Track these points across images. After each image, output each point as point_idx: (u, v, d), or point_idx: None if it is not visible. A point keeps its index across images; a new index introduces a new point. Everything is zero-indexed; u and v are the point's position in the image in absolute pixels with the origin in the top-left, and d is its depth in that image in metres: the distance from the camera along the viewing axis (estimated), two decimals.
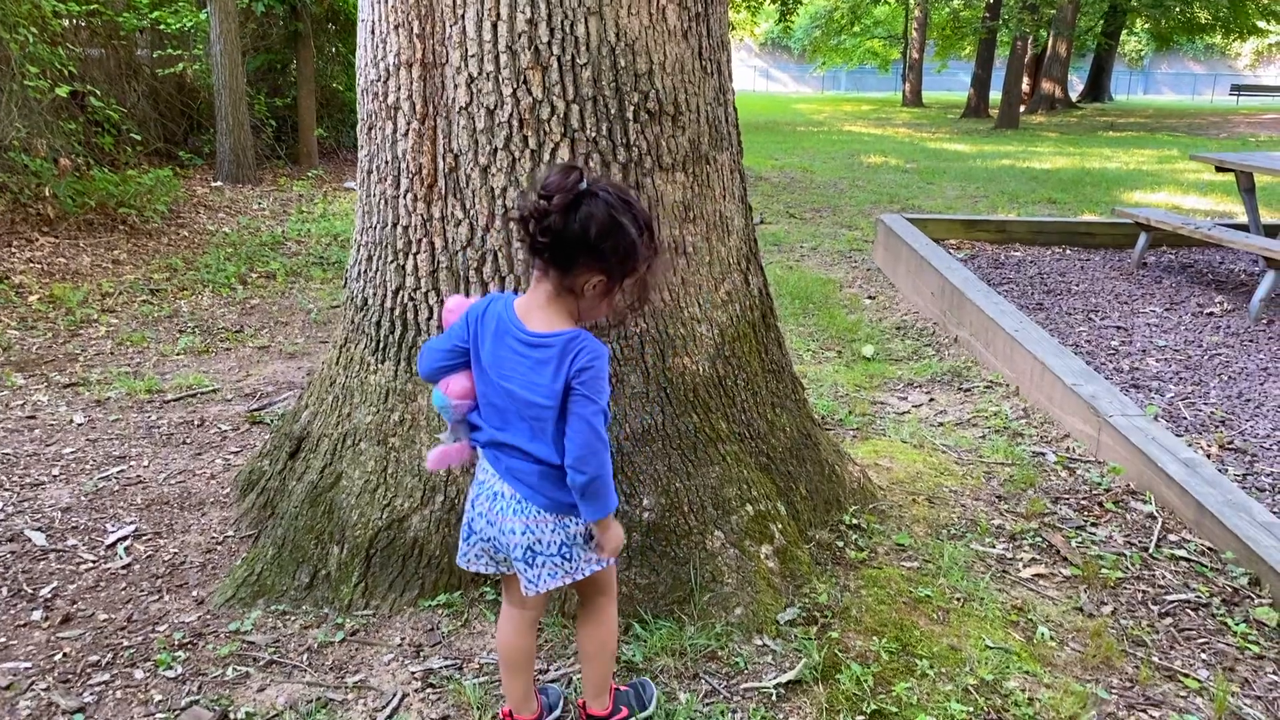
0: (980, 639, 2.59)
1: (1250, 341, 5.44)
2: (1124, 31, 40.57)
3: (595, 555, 2.02)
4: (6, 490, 3.56)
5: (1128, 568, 3.02)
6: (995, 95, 29.10)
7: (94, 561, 3.11)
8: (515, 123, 2.60)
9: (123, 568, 3.08)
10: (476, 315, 1.99)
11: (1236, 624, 2.72)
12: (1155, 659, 2.58)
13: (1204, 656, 2.60)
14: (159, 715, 2.35)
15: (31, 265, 6.77)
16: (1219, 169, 7.15)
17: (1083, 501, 3.50)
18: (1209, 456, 3.90)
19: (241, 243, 8.02)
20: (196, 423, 4.22)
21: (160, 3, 10.69)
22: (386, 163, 2.78)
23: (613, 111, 2.63)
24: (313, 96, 11.91)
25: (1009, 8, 27.54)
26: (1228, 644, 2.65)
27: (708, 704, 2.35)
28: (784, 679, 2.40)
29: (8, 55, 7.42)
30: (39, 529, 3.29)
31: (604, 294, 1.91)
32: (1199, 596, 2.87)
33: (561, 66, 2.57)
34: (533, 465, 1.95)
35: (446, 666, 2.50)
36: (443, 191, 2.69)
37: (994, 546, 3.14)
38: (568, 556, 1.99)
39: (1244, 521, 3.09)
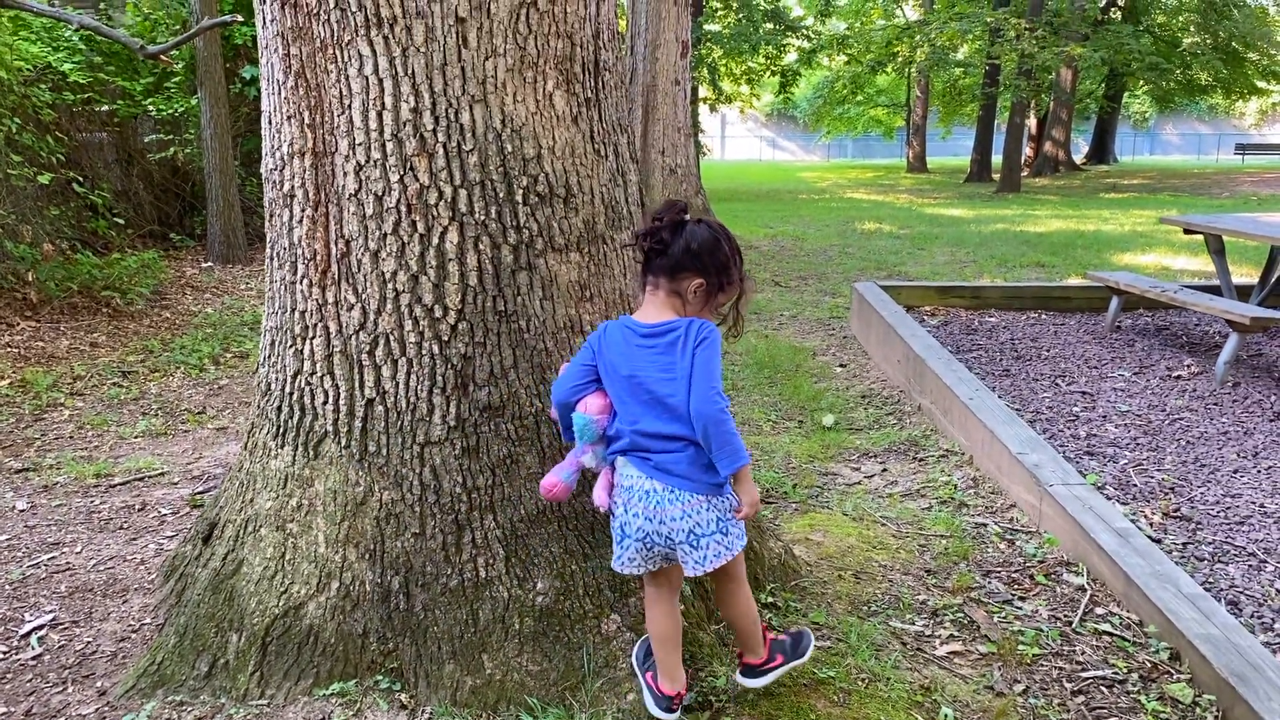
0: None
1: (1214, 405, 5.39)
2: (1126, 94, 40.92)
3: (742, 527, 2.36)
4: None
5: (1047, 644, 2.96)
6: (998, 159, 29.30)
7: (4, 653, 3.09)
8: (403, 208, 2.63)
9: (33, 658, 3.05)
10: (598, 337, 2.41)
11: (1150, 702, 2.65)
12: None
13: None
14: None
15: (8, 350, 6.85)
16: (1187, 231, 7.14)
17: (1014, 574, 3.44)
18: (1151, 525, 3.83)
19: (222, 323, 8.10)
20: (138, 507, 4.22)
21: (154, 89, 10.94)
22: (285, 249, 2.82)
23: (501, 195, 2.66)
24: None
25: (1007, 74, 27.87)
26: None
27: None
28: None
29: None
30: None
31: (705, 299, 2.36)
32: (1116, 673, 2.80)
33: (448, 153, 2.61)
34: (678, 451, 2.26)
35: None
36: (336, 277, 2.71)
37: (913, 623, 3.08)
38: (725, 531, 2.30)
39: (1168, 593, 3.02)
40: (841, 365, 6.74)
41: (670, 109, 13.72)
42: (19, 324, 7.51)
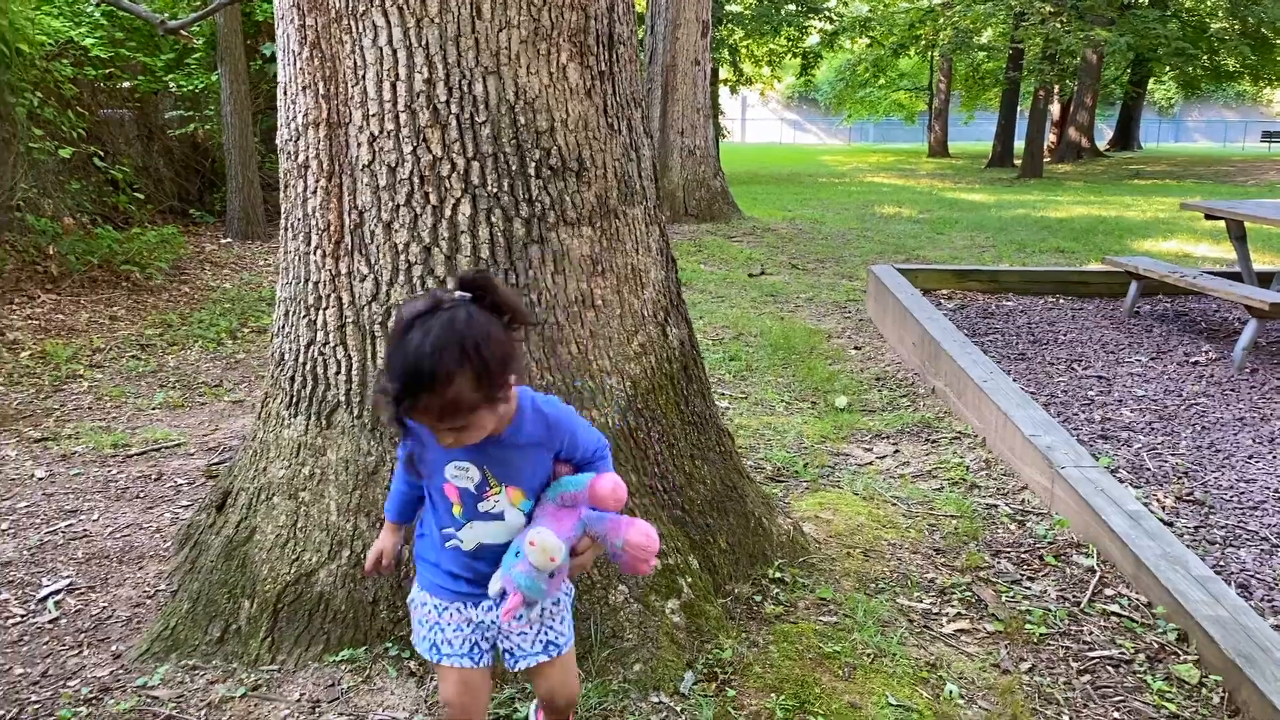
0: (884, 696, 2.54)
1: (1231, 391, 5.35)
2: (1152, 80, 40.48)
3: None
4: None
5: (1054, 623, 2.96)
6: (1021, 145, 29.08)
7: (22, 616, 3.13)
8: (416, 180, 2.64)
9: (49, 622, 3.10)
10: None
11: (1156, 681, 2.65)
12: (1065, 718, 2.51)
13: (1117, 715, 2.53)
14: None
15: (30, 322, 6.91)
16: (1209, 217, 7.08)
17: (1024, 555, 3.43)
18: (1164, 509, 3.82)
19: (240, 298, 8.15)
20: (154, 477, 4.27)
21: (175, 65, 10.99)
22: (299, 220, 2.83)
23: (514, 168, 2.67)
24: None
25: (1031, 59, 27.61)
26: (1144, 702, 2.58)
27: None
28: None
29: (15, 117, 7.64)
30: None
31: None
32: (1123, 653, 2.80)
33: (460, 124, 2.62)
34: None
35: None
36: (349, 247, 2.73)
37: (920, 601, 3.09)
38: None
39: (1178, 575, 3.01)
40: (856, 348, 6.73)
41: (689, 89, 13.67)
42: (40, 296, 7.58)
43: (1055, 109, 34.58)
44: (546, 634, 2.05)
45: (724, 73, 26.25)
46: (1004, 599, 3.11)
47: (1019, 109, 32.27)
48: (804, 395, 5.56)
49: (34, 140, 7.71)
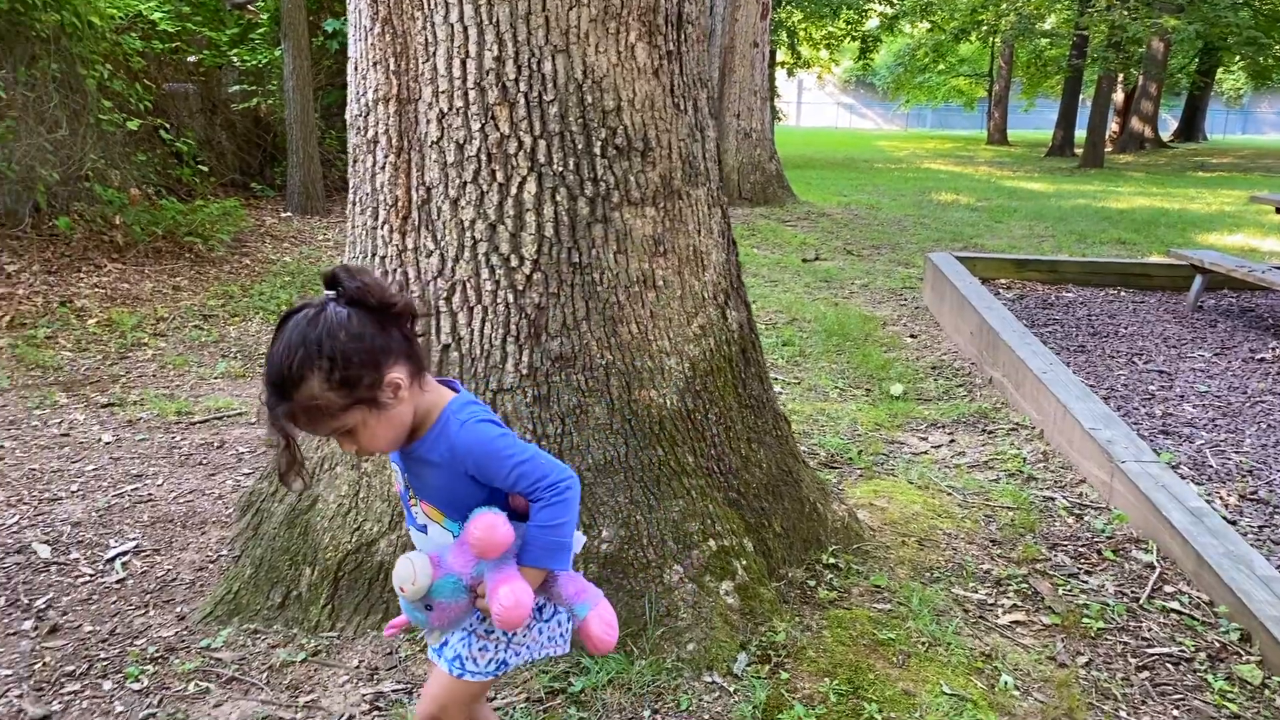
0: (938, 685, 2.53)
1: None
2: (1220, 69, 39.46)
3: None
4: (25, 504, 3.72)
5: (1112, 618, 2.92)
6: (1082, 134, 28.54)
7: (91, 575, 3.22)
8: (484, 157, 2.66)
9: (117, 582, 3.18)
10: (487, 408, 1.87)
11: (1217, 681, 2.61)
12: (1123, 713, 2.49)
13: (1176, 714, 2.50)
14: None
15: (96, 290, 7.07)
16: (1279, 210, 6.90)
17: (1081, 549, 3.39)
18: (1226, 507, 3.75)
19: (299, 271, 8.27)
20: (217, 444, 4.35)
21: (239, 40, 11.13)
22: (367, 194, 2.87)
23: (580, 146, 2.67)
24: None
25: (1095, 46, 27.04)
26: (1204, 701, 2.55)
27: None
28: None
29: (85, 90, 7.79)
30: (46, 542, 3.42)
31: None
32: (1183, 651, 2.76)
33: (529, 102, 2.63)
34: None
35: (396, 691, 2.54)
36: (415, 223, 2.76)
37: (976, 591, 3.07)
38: None
39: (1242, 575, 2.96)
40: (912, 336, 6.67)
41: (747, 71, 13.58)
42: (106, 265, 7.74)
43: (1119, 98, 33.86)
44: (461, 647, 1.87)
45: (781, 55, 26.03)
46: (1061, 592, 3.08)
47: (1081, 97, 31.64)
48: (858, 382, 5.52)
49: (103, 112, 7.86)
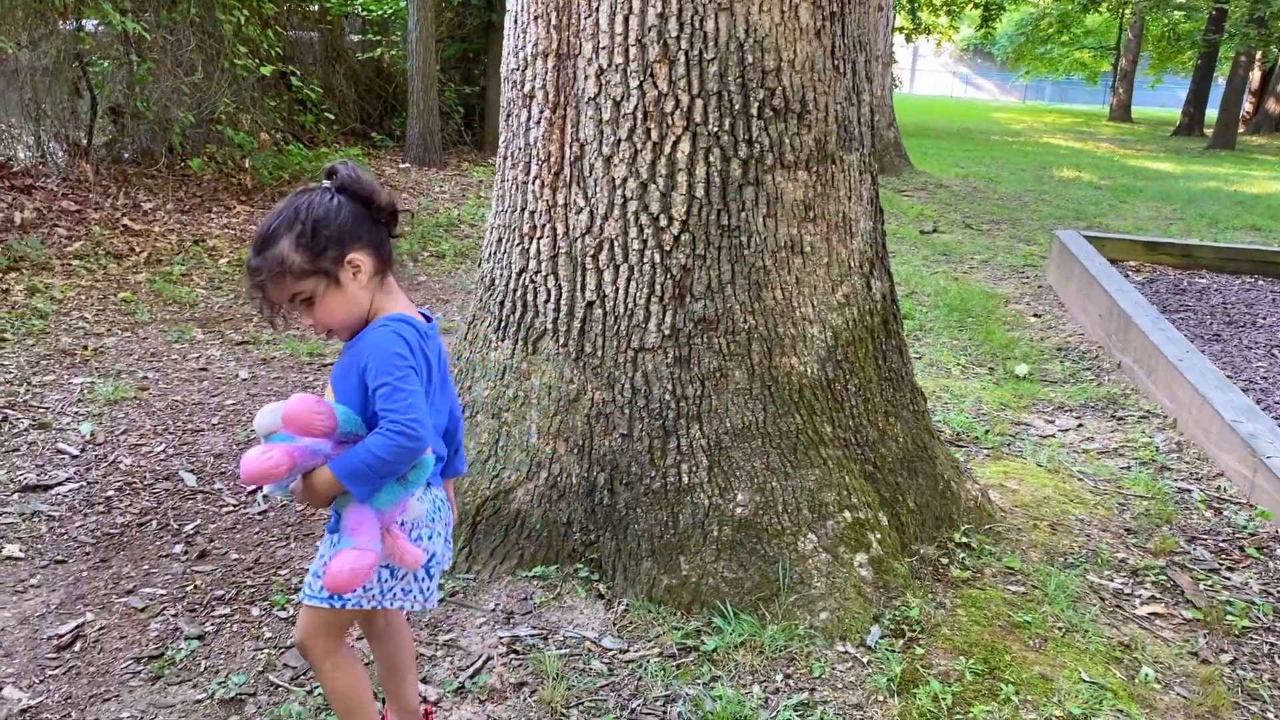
0: (1076, 671, 2.49)
1: None
2: None
3: None
4: (170, 433, 3.88)
5: (1258, 617, 2.83)
6: (1213, 113, 27.28)
7: (234, 506, 3.36)
8: (640, 115, 2.65)
9: (259, 514, 3.31)
10: (420, 346, 1.81)
11: None
12: (1270, 715, 2.41)
13: None
14: (265, 651, 2.53)
15: (226, 230, 7.30)
16: None
17: (1222, 544, 3.29)
18: None
19: (419, 222, 8.40)
20: None
21: None
22: (520, 149, 2.89)
23: (736, 107, 2.65)
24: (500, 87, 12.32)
25: (1234, 21, 25.75)
26: None
27: (775, 701, 2.35)
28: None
29: (222, 34, 8.01)
30: (192, 471, 3.57)
31: None
32: None
33: (689, 60, 2.61)
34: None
35: (532, 636, 2.59)
36: (567, 179, 2.77)
37: (1112, 580, 2.99)
38: None
39: None
40: (1036, 315, 6.50)
41: (870, 36, 13.26)
42: (235, 206, 7.99)
43: (1255, 76, 32.23)
44: (310, 576, 1.92)
45: (899, 20, 25.39)
46: (1201, 587, 2.99)
47: (1214, 75, 30.20)
48: (981, 360, 5.41)
49: (238, 57, 8.06)
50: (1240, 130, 27.24)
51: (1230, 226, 10.66)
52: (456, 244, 7.75)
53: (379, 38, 11.32)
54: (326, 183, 1.80)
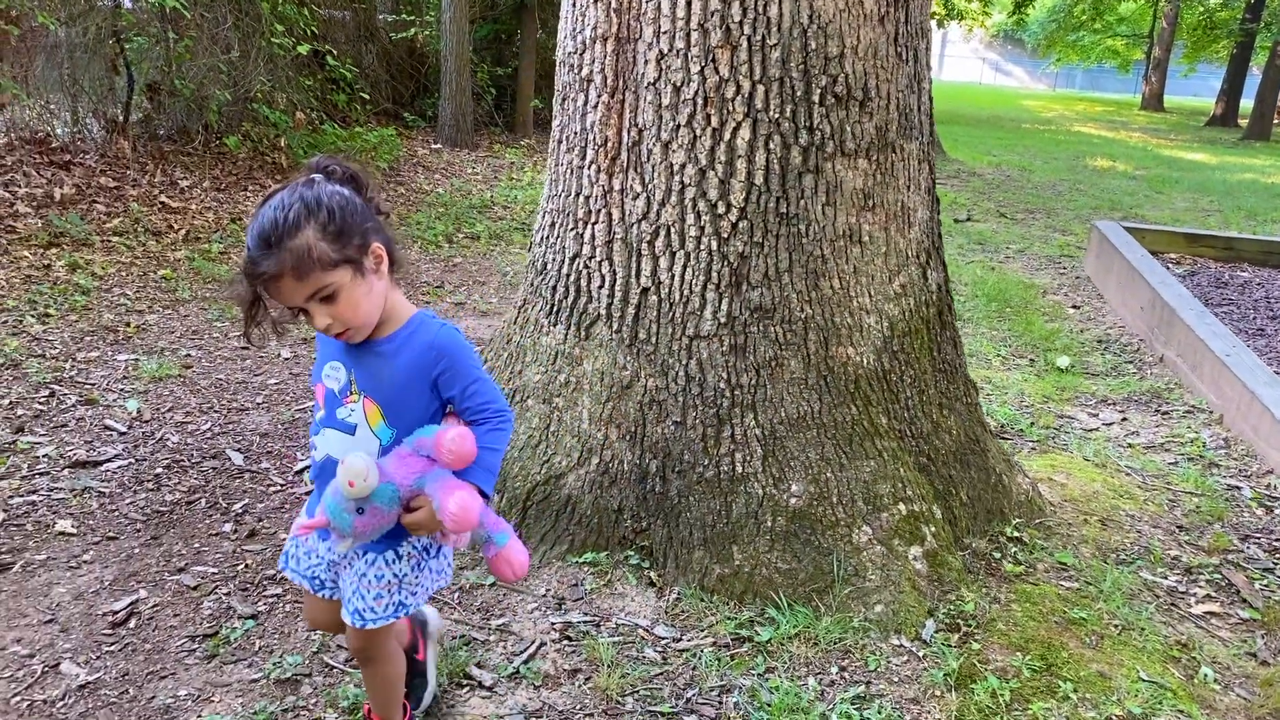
0: (1134, 670, 2.46)
1: None
2: None
3: None
4: (216, 412, 3.90)
5: None
6: (1247, 104, 26.90)
7: (282, 485, 3.37)
8: (700, 100, 2.63)
9: (305, 493, 3.32)
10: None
11: None
12: None
13: None
14: (317, 634, 2.53)
15: None
16: None
17: (1275, 543, 3.24)
18: None
19: (452, 204, 8.40)
20: None
21: None
22: (576, 133, 2.87)
23: (798, 94, 2.62)
24: (533, 68, 12.30)
25: (1272, 9, 25.35)
26: None
27: (831, 693, 2.34)
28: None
29: (259, 12, 8.00)
30: (239, 450, 3.59)
31: None
32: None
33: (751, 46, 2.58)
34: None
35: (584, 622, 2.59)
36: (624, 164, 2.75)
37: (1166, 578, 2.96)
38: None
39: None
40: (1075, 306, 6.43)
41: None
42: (270, 185, 7.98)
43: None
44: (358, 600, 1.88)
45: (932, 5, 25.11)
46: (1257, 586, 2.95)
47: (1250, 65, 29.75)
48: (1021, 351, 5.36)
49: (275, 35, 8.06)
50: (1276, 121, 26.85)
51: (1269, 219, 10.51)
52: (491, 225, 7.75)
53: (412, 18, 11.28)
54: (317, 175, 1.71)
